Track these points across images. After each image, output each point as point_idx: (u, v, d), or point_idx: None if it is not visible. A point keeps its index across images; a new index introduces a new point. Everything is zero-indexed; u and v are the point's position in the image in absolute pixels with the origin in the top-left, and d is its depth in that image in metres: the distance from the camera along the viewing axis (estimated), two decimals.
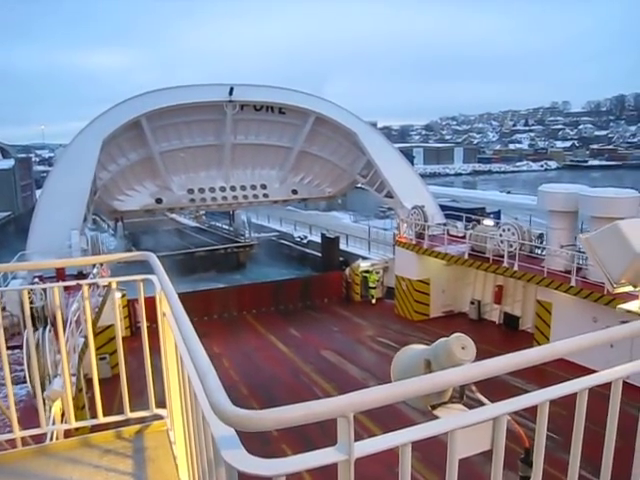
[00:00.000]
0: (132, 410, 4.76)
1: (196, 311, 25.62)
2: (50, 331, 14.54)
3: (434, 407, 3.21)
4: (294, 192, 37.14)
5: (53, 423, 10.10)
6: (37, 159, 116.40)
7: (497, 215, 39.32)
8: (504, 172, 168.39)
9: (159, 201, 34.17)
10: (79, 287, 4.73)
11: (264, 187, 36.26)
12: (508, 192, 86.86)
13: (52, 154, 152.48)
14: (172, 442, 4.34)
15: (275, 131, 35.43)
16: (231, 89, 32.34)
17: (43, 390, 11.84)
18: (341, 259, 40.54)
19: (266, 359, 25.10)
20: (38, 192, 36.23)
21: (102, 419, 4.74)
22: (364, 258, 39.34)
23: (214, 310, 31.38)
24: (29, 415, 4.39)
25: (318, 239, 46.36)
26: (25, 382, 13.13)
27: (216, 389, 2.06)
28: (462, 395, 3.22)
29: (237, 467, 1.88)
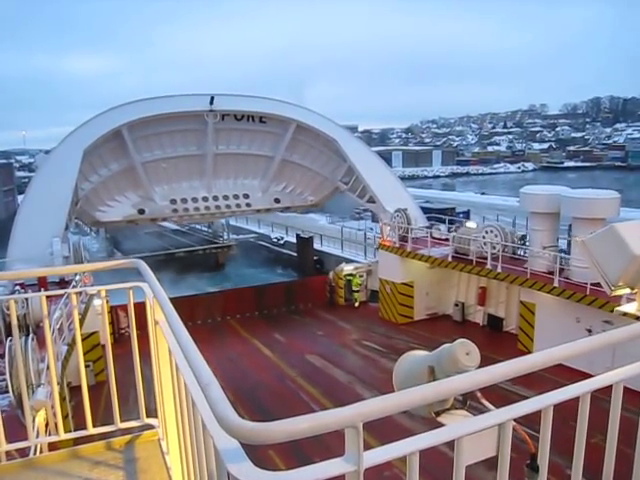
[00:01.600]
0: (121, 419, 4.66)
1: (180, 316, 25.30)
2: (33, 339, 14.32)
3: (437, 414, 3.17)
4: (277, 201, 37.24)
5: (37, 434, 9.92)
6: (17, 165, 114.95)
7: (466, 215, 39.77)
8: (482, 174, 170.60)
9: (142, 212, 33.99)
10: (61, 295, 4.66)
11: (247, 197, 36.31)
12: (482, 193, 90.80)
13: (32, 159, 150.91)
14: (164, 452, 4.24)
15: (256, 140, 35.61)
16: (212, 98, 32.43)
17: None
18: (315, 258, 43.99)
19: (251, 364, 24.97)
20: (20, 197, 35.96)
21: (92, 430, 4.62)
22: (337, 257, 42.23)
23: (198, 316, 31.16)
24: (12, 426, 4.23)
25: (294, 240, 48.26)
26: (7, 392, 12.90)
27: (220, 400, 1.99)
28: (465, 401, 3.18)
29: None
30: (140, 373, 4.58)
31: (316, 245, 45.71)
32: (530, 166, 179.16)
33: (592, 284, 20.75)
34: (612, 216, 21.92)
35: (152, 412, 4.57)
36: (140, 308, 4.31)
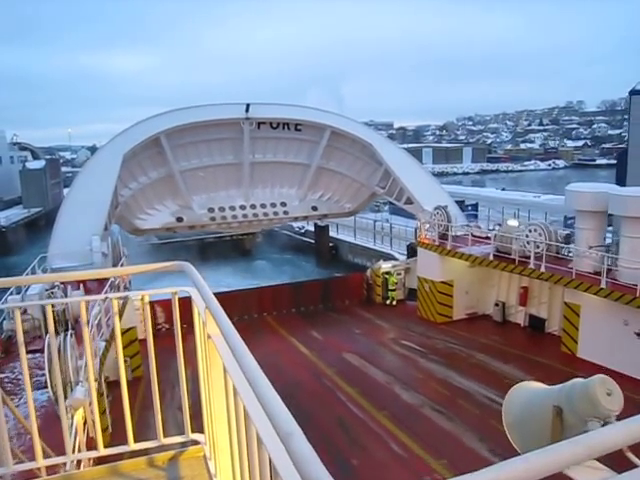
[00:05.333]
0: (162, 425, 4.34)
1: None
2: (72, 336, 14.28)
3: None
4: (314, 209, 37.53)
5: (75, 433, 9.79)
6: (62, 160, 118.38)
7: (474, 208, 39.40)
8: (512, 171, 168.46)
9: (180, 220, 34.47)
10: (99, 289, 4.34)
11: (284, 205, 36.68)
12: (503, 189, 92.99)
13: (75, 156, 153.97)
14: (212, 474, 3.88)
15: (292, 148, 35.94)
16: (247, 106, 32.99)
17: (64, 399, 11.58)
18: (331, 245, 48.74)
19: (288, 362, 24.75)
20: (66, 190, 37.21)
21: (133, 446, 4.31)
22: (350, 244, 46.61)
23: (234, 312, 31.03)
24: (50, 425, 3.97)
25: (313, 229, 51.72)
26: (46, 387, 12.87)
27: (310, 459, 1.60)
28: None
29: None
30: (185, 385, 4.25)
31: (332, 233, 49.16)
32: (561, 163, 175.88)
33: None
34: None
35: (195, 423, 4.27)
36: (180, 303, 4.03)
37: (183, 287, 3.98)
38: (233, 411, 2.62)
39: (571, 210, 25.05)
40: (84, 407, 11.29)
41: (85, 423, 11.27)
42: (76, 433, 9.47)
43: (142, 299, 4.14)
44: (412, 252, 34.82)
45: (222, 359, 2.84)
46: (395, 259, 37.65)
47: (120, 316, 16.13)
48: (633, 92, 33.99)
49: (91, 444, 4.67)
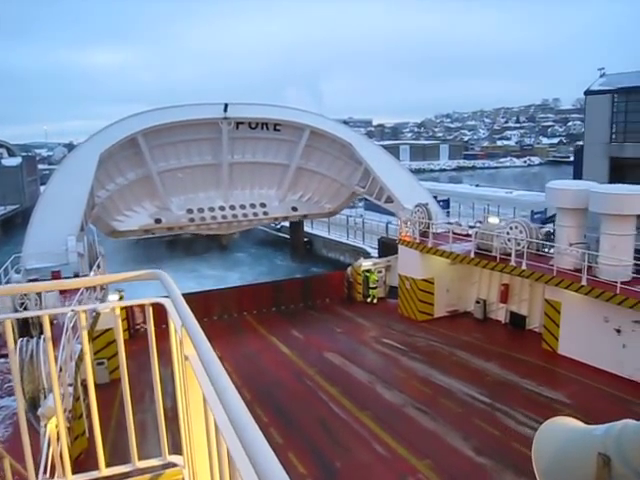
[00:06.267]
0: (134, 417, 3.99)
1: (195, 312, 24.82)
2: (45, 340, 13.84)
3: None
4: (294, 209, 37.38)
5: (49, 444, 9.40)
6: (37, 158, 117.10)
7: (446, 204, 40.03)
8: (488, 168, 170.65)
9: (158, 221, 34.04)
10: (76, 291, 3.95)
11: (264, 205, 36.49)
12: (477, 185, 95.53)
13: (51, 153, 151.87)
14: None
15: (271, 148, 35.77)
16: (226, 105, 32.73)
17: (37, 407, 11.13)
18: (305, 239, 49.90)
19: (269, 362, 24.49)
20: (43, 187, 36.71)
21: (104, 471, 3.95)
22: (324, 239, 47.90)
23: (214, 311, 30.76)
24: (18, 435, 3.65)
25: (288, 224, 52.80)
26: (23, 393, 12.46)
27: None
28: None
29: None
30: (162, 408, 3.89)
31: (307, 228, 50.03)
32: (536, 160, 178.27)
33: (622, 282, 20.12)
34: None
35: (176, 438, 3.95)
36: (156, 306, 3.70)
37: (157, 298, 3.64)
38: (215, 447, 2.30)
39: (540, 206, 25.22)
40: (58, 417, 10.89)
41: (59, 436, 10.87)
42: (49, 444, 9.10)
43: (114, 310, 3.81)
44: (383, 246, 36.10)
45: (201, 387, 2.48)
46: (367, 253, 38.26)
47: (96, 318, 15.49)
48: (588, 92, 34.88)
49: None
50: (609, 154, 33.08)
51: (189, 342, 2.64)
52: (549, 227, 26.75)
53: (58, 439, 10.38)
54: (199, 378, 2.47)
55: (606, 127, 33.81)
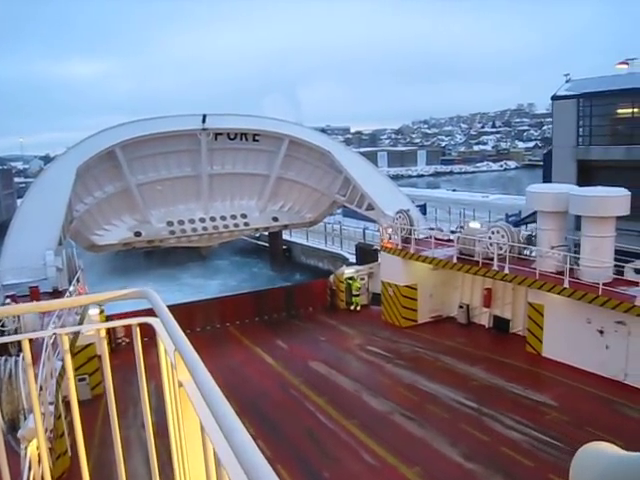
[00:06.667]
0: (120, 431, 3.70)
1: (178, 325, 24.57)
2: (24, 359, 13.47)
3: None
4: (275, 219, 37.23)
5: (29, 467, 9.12)
6: (14, 171, 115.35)
7: (423, 208, 40.45)
8: (465, 172, 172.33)
9: (138, 234, 33.67)
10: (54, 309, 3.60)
11: (244, 216, 36.26)
12: (454, 190, 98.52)
13: (27, 166, 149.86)
14: None
15: (251, 159, 35.56)
16: (204, 116, 32.46)
17: (17, 429, 10.81)
18: (284, 247, 50.39)
19: (254, 373, 24.24)
20: (19, 201, 36.19)
21: None
22: (302, 246, 48.46)
23: (197, 323, 30.43)
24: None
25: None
26: None
27: None
28: None
29: None
30: (155, 451, 3.54)
31: (285, 236, 50.21)
32: (512, 164, 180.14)
33: (604, 284, 20.24)
34: (622, 214, 21.40)
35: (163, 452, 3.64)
36: (139, 316, 3.44)
37: (144, 318, 3.39)
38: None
39: (515, 208, 25.48)
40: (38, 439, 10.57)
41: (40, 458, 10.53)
42: (30, 467, 8.81)
43: (98, 331, 3.59)
44: (361, 251, 36.58)
45: (198, 416, 2.26)
46: (345, 259, 38.47)
47: (77, 334, 15.06)
48: (554, 97, 35.72)
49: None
50: (576, 157, 33.81)
51: (183, 367, 2.44)
52: (531, 230, 26.87)
53: (39, 461, 10.10)
54: (196, 406, 2.28)
55: (573, 131, 34.56)
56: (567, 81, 36.28)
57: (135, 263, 48.18)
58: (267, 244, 53.08)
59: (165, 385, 2.97)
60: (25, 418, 10.91)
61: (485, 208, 56.09)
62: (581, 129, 34.60)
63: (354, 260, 37.31)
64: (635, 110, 33.22)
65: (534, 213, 37.16)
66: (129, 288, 3.45)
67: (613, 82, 33.95)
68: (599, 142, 33.91)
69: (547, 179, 34.63)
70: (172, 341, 2.64)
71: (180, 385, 2.61)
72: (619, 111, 34.97)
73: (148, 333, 3.19)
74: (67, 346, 3.40)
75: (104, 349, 3.44)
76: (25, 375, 12.48)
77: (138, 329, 3.32)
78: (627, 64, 35.33)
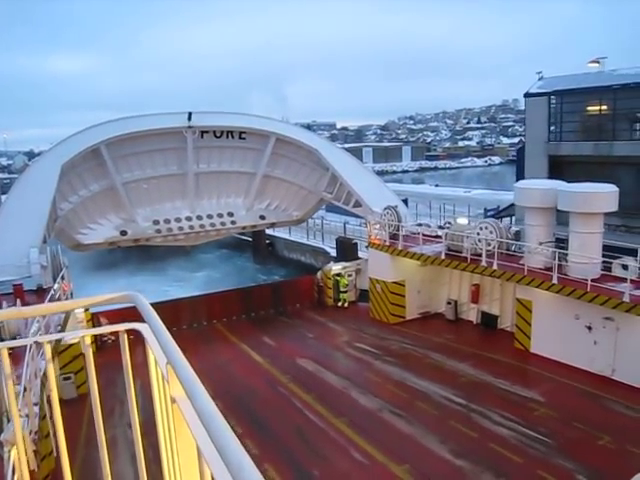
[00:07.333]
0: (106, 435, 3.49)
1: (164, 322, 24.30)
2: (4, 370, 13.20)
3: None
4: (262, 218, 36.96)
5: (13, 472, 8.90)
6: None
7: (404, 203, 40.87)
8: (450, 168, 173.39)
9: (124, 233, 33.24)
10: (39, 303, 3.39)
11: (231, 215, 35.89)
12: (436, 185, 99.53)
13: (11, 162, 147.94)
14: None
15: (237, 157, 35.26)
16: (189, 114, 32.15)
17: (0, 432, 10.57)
18: (267, 242, 51.63)
19: (241, 370, 24.06)
20: (3, 197, 35.67)
21: None
22: (285, 240, 49.21)
23: (183, 320, 30.20)
24: None
25: None
26: None
27: None
28: None
29: None
30: (142, 452, 3.31)
31: (268, 230, 49.64)
32: (497, 160, 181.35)
33: (592, 280, 20.28)
34: (610, 210, 21.46)
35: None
36: (125, 315, 3.22)
37: (132, 324, 3.18)
38: None
39: (493, 203, 25.65)
40: (25, 441, 10.35)
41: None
42: (14, 471, 8.60)
43: (83, 337, 3.39)
44: (341, 245, 37.36)
45: (193, 436, 2.05)
46: (327, 253, 38.95)
47: (62, 331, 14.83)
48: (527, 95, 36.37)
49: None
50: (547, 152, 34.48)
51: (177, 382, 2.24)
52: (519, 226, 26.93)
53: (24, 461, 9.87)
54: (192, 427, 2.08)
55: (544, 127, 35.25)
56: (540, 79, 36.93)
57: (120, 258, 47.87)
58: (250, 239, 53.61)
59: (156, 400, 2.76)
60: (8, 421, 10.64)
61: (465, 203, 56.64)
62: (552, 126, 35.39)
63: (335, 254, 37.47)
64: (603, 107, 34.10)
65: (510, 207, 37.99)
66: (116, 292, 3.25)
67: (583, 80, 34.81)
68: (569, 138, 34.77)
69: (520, 174, 35.42)
70: (163, 352, 2.44)
71: (173, 401, 2.42)
72: (588, 108, 35.80)
73: (132, 331, 3.02)
74: (49, 355, 3.21)
75: (89, 356, 3.24)
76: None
77: (126, 335, 3.12)
78: (598, 62, 35.98)
